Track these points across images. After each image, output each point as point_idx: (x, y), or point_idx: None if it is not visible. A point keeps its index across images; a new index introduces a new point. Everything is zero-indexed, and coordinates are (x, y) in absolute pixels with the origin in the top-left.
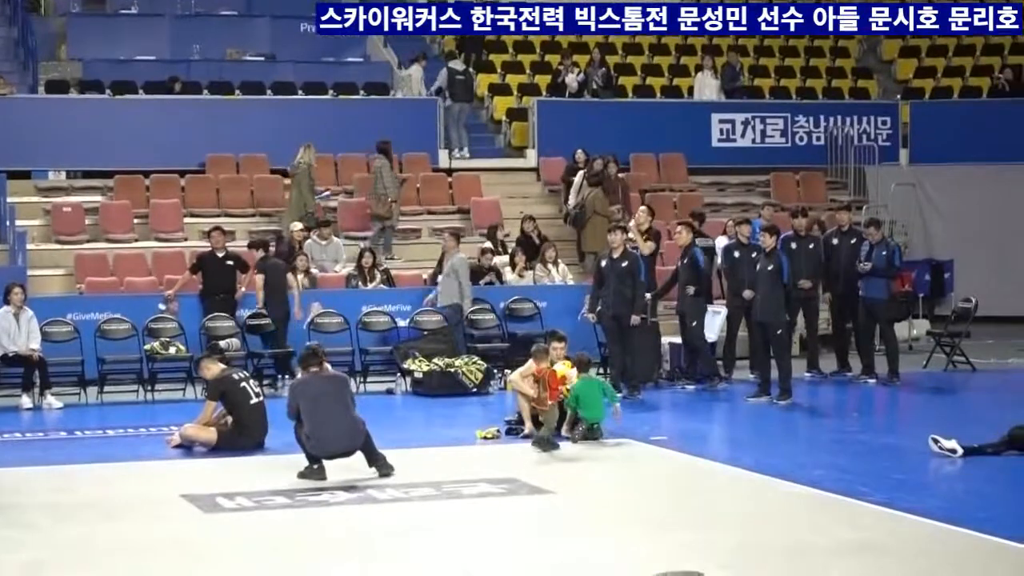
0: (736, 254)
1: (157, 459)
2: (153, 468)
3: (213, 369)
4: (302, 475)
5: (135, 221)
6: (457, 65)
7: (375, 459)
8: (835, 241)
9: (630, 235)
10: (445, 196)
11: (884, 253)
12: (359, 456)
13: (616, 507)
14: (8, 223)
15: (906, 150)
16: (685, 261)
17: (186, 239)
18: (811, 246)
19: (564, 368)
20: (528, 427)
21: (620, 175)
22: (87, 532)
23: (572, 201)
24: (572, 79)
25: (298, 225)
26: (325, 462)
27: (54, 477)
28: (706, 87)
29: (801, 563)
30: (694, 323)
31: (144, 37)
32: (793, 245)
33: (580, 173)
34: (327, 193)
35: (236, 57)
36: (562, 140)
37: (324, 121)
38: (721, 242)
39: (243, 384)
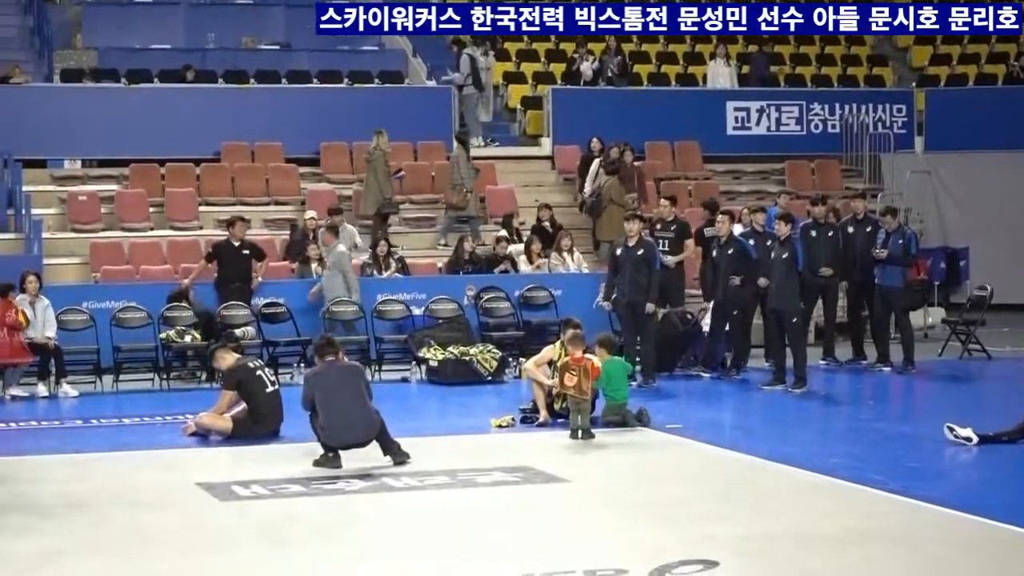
0: (751, 242)
1: (173, 447)
2: (169, 456)
3: (228, 359)
4: (317, 463)
5: (150, 210)
6: (476, 53)
7: (390, 448)
8: (851, 229)
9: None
10: None
11: (900, 241)
12: (375, 444)
13: (630, 495)
14: (24, 212)
15: (921, 138)
16: (731, 251)
17: (201, 228)
18: (830, 234)
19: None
20: (543, 415)
21: (635, 163)
22: (103, 520)
23: (588, 189)
24: (587, 67)
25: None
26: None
27: (70, 465)
28: (719, 75)
29: (815, 551)
30: (735, 312)
31: (159, 25)
32: (813, 233)
33: (596, 161)
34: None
35: (251, 45)
36: (577, 128)
37: (339, 109)
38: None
39: (259, 372)
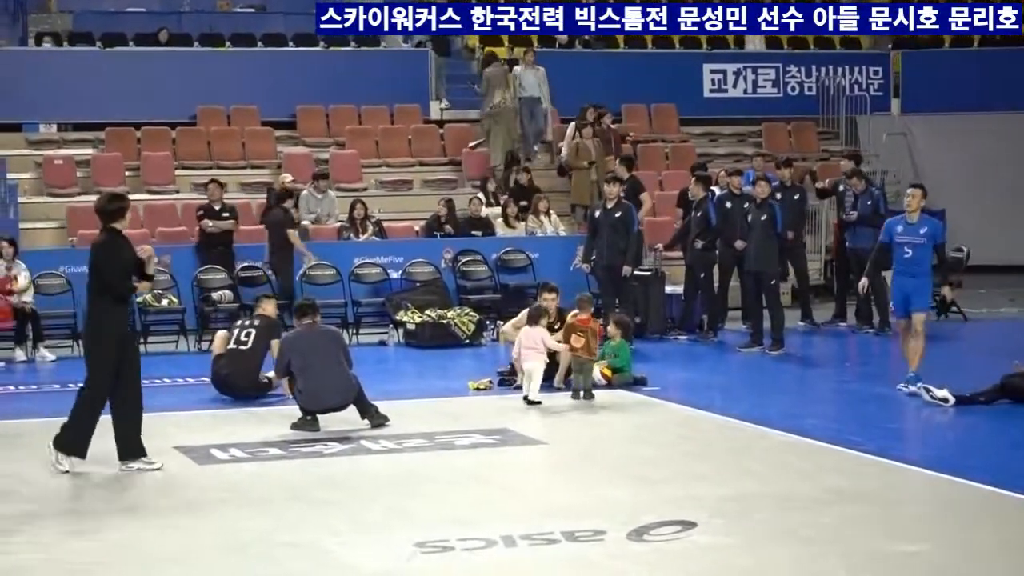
0: (728, 205)
1: (150, 412)
2: (146, 420)
3: (269, 308)
4: (295, 426)
5: (126, 173)
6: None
7: (367, 411)
8: (841, 188)
9: None
10: (437, 147)
11: (869, 202)
12: (353, 408)
13: (608, 457)
14: None
15: (897, 100)
16: (699, 215)
17: (178, 191)
18: (796, 197)
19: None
20: (520, 378)
21: (612, 126)
22: (80, 484)
23: (564, 152)
24: None
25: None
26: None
27: (47, 429)
28: None
29: (792, 511)
30: (702, 275)
31: None
32: (778, 196)
33: (572, 124)
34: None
35: (226, 8)
36: (553, 91)
37: (315, 72)
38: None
39: (235, 329)
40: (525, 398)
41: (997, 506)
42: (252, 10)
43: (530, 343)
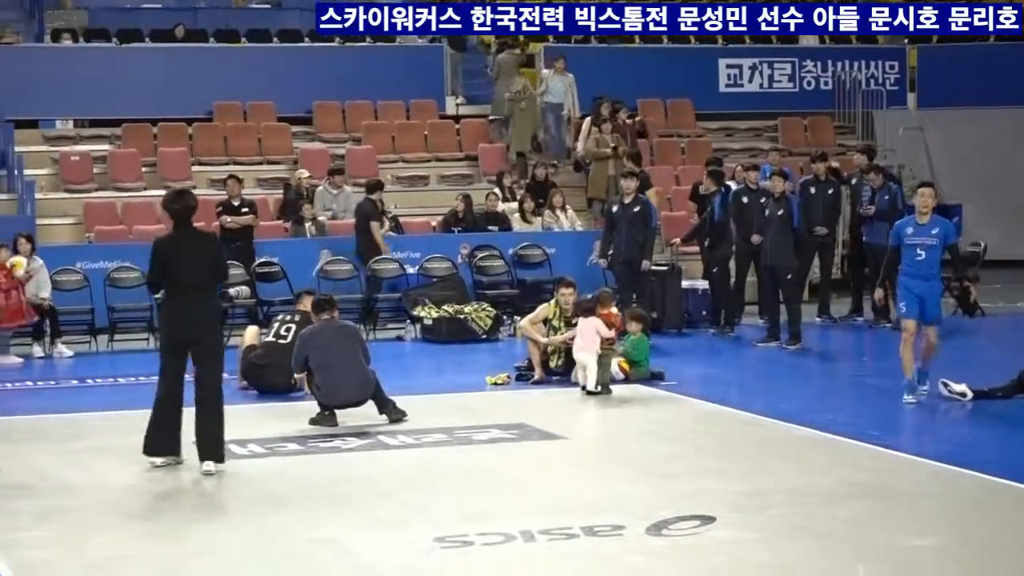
0: (744, 199)
1: None
2: None
3: (306, 303)
4: (314, 422)
5: (143, 169)
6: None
7: (385, 406)
8: (853, 180)
9: None
10: (453, 143)
11: (887, 197)
12: (371, 403)
13: (626, 452)
14: (16, 172)
15: (913, 94)
16: (709, 210)
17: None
18: (830, 191)
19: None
20: (538, 373)
21: (629, 120)
22: (99, 479)
23: (581, 147)
24: None
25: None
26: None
27: (66, 425)
28: None
29: (810, 506)
30: (715, 269)
31: None
32: (812, 190)
33: (587, 120)
34: None
35: (242, 4)
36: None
37: (331, 68)
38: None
39: (275, 323)
40: (583, 388)
41: (1014, 501)
42: (268, 6)
43: (584, 334)
